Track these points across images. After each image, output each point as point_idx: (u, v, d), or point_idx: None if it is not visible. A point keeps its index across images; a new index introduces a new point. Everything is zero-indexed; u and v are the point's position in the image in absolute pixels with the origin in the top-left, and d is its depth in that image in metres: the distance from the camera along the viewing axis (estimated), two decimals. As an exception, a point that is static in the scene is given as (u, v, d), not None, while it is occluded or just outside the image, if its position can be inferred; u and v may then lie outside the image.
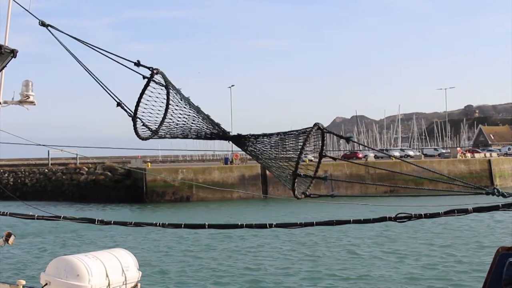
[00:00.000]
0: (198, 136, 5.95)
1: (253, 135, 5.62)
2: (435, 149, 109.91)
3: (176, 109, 5.66)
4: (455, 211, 5.17)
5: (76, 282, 7.95)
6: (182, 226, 6.57)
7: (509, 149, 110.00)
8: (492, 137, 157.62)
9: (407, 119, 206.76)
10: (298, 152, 4.99)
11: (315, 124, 5.02)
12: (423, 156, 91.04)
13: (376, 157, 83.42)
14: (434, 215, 5.25)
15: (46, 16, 6.91)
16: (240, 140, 5.75)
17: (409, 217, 5.21)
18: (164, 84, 5.64)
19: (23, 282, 9.10)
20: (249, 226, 6.33)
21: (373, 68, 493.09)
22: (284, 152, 5.32)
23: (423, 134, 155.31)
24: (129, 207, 55.16)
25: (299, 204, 38.27)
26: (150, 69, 5.69)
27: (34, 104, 10.16)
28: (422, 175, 6.46)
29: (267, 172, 55.99)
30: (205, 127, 5.82)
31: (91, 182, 64.35)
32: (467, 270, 22.02)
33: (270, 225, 6.12)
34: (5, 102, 9.81)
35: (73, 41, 6.24)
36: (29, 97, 10.02)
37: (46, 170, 70.50)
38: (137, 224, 6.71)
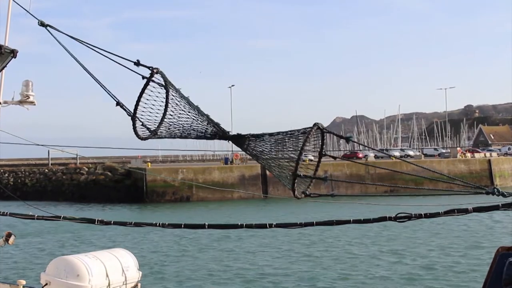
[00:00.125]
0: (197, 136, 5.94)
1: (253, 135, 5.61)
2: (435, 149, 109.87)
3: (175, 109, 5.64)
4: (455, 210, 5.17)
5: (76, 282, 7.95)
6: (182, 226, 6.56)
7: (509, 149, 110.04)
8: (492, 137, 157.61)
9: (407, 119, 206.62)
10: (298, 152, 4.99)
11: (315, 124, 5.01)
12: (423, 156, 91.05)
13: (376, 157, 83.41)
14: (434, 215, 5.24)
15: (46, 16, 6.92)
16: (240, 140, 5.74)
17: (409, 217, 5.20)
18: (164, 84, 5.64)
19: (23, 282, 9.10)
20: (249, 226, 6.32)
21: (373, 68, 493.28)
22: (284, 152, 5.31)
23: (423, 134, 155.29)
24: (129, 207, 55.14)
25: (299, 204, 38.30)
26: (150, 68, 5.69)
27: (34, 104, 10.14)
28: (422, 175, 6.46)
29: (267, 172, 56.01)
30: (205, 127, 5.81)
31: (91, 182, 64.32)
32: (467, 270, 22.04)
33: (270, 225, 6.12)
34: (5, 102, 9.80)
35: (72, 41, 6.24)
36: (29, 97, 10.01)
37: (46, 170, 70.51)
38: (137, 224, 6.70)
